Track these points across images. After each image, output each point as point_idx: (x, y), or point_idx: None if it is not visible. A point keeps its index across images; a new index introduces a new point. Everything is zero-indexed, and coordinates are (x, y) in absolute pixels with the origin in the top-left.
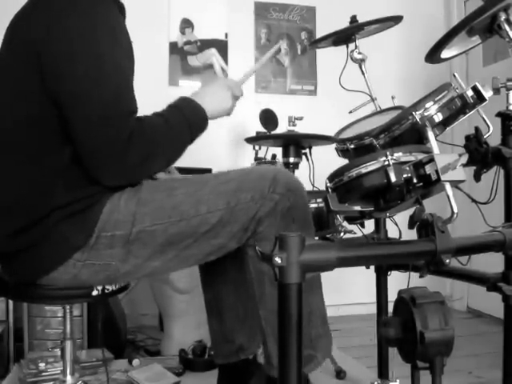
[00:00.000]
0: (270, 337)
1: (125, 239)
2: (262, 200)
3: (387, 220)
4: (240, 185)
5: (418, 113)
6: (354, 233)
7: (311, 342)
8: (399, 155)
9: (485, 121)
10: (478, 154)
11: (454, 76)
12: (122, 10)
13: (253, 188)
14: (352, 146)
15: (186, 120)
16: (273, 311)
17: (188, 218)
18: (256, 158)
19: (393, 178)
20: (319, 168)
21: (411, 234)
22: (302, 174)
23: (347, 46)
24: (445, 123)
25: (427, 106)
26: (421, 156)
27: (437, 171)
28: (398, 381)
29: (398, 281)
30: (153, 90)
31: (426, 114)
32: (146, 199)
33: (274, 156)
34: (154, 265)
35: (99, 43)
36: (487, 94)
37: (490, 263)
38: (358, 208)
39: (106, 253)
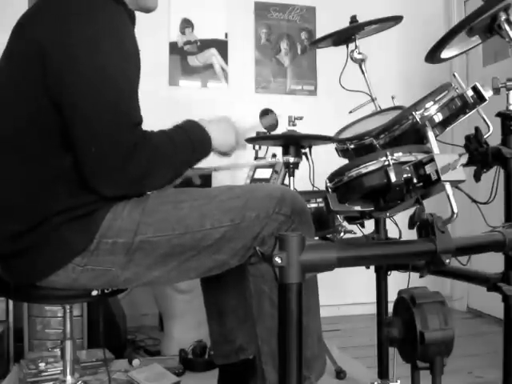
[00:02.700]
0: (267, 357)
1: (126, 247)
2: (267, 219)
3: (387, 220)
4: (246, 202)
5: (418, 113)
6: (354, 233)
7: (306, 364)
8: (399, 155)
9: (485, 121)
10: (478, 154)
11: (454, 76)
12: (132, 18)
13: (258, 207)
14: (352, 146)
15: (191, 144)
16: (270, 330)
17: (192, 231)
18: (256, 158)
19: (393, 178)
20: (319, 168)
21: (411, 234)
22: (302, 174)
23: (347, 46)
24: (445, 123)
25: (427, 106)
26: (421, 156)
27: (437, 171)
28: (398, 381)
29: (397, 281)
30: (153, 90)
31: (426, 114)
32: (151, 209)
33: (273, 155)
34: (154, 274)
35: (103, 50)
36: (487, 93)
37: (490, 263)
38: (358, 208)
39: (107, 259)
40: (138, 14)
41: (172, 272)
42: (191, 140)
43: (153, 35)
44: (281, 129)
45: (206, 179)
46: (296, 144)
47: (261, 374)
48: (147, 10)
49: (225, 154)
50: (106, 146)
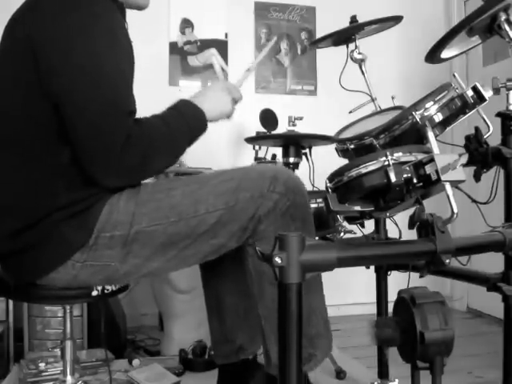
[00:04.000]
0: (270, 335)
1: (124, 240)
2: (262, 199)
3: (387, 220)
4: (239, 184)
5: (418, 113)
6: (354, 233)
7: (311, 341)
8: (399, 155)
9: (485, 121)
10: (478, 154)
11: (454, 76)
12: (122, 10)
13: (252, 187)
14: (352, 146)
15: (186, 123)
16: (272, 310)
17: (187, 218)
18: (256, 158)
19: (393, 178)
20: (319, 168)
21: (411, 234)
22: (302, 174)
23: (347, 46)
24: (445, 123)
25: (427, 106)
26: (421, 156)
27: (437, 171)
28: (396, 380)
29: (398, 281)
30: (153, 90)
31: (426, 114)
32: (144, 199)
33: (274, 156)
34: (154, 265)
35: (97, 42)
36: (487, 94)
37: (490, 263)
38: (358, 208)
39: (105, 253)
40: (138, 13)
41: (171, 261)
42: (186, 121)
43: (153, 35)
44: (281, 129)
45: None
46: (296, 144)
47: (266, 354)
48: (138, 8)
49: (224, 119)
50: (102, 140)
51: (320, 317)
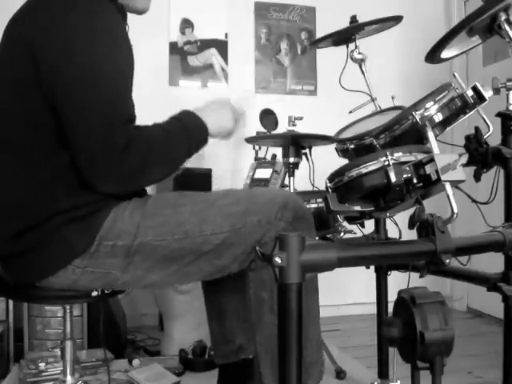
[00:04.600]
0: (265, 360)
1: (126, 250)
2: (269, 225)
3: (387, 220)
4: (248, 207)
5: (418, 113)
6: (354, 233)
7: (305, 370)
8: (399, 155)
9: (485, 121)
10: (478, 154)
11: (454, 76)
12: (122, 13)
13: (260, 212)
14: (352, 146)
15: (186, 133)
16: (270, 337)
17: (192, 236)
18: (256, 158)
19: (393, 178)
20: (319, 168)
21: (411, 234)
22: (302, 174)
23: (347, 46)
24: (445, 123)
25: (427, 106)
26: (421, 156)
27: (437, 171)
28: (398, 381)
29: (398, 281)
30: (153, 90)
31: (426, 114)
32: (151, 212)
33: (274, 156)
34: (154, 278)
35: (95, 41)
36: (487, 94)
37: (490, 263)
38: (358, 208)
39: (106, 261)
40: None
41: (172, 276)
42: (186, 131)
43: (153, 35)
44: (281, 129)
45: (205, 177)
46: (296, 144)
47: (258, 378)
48: (137, 12)
49: (224, 137)
50: (101, 143)
51: (315, 344)
